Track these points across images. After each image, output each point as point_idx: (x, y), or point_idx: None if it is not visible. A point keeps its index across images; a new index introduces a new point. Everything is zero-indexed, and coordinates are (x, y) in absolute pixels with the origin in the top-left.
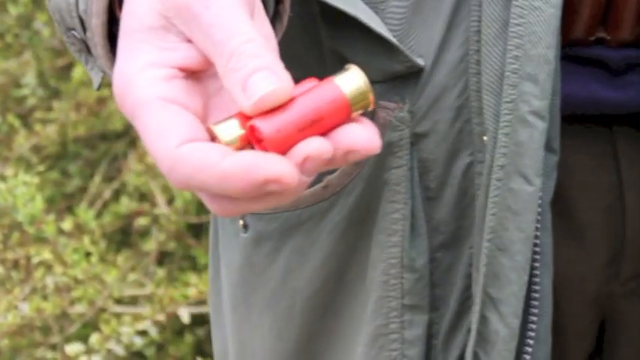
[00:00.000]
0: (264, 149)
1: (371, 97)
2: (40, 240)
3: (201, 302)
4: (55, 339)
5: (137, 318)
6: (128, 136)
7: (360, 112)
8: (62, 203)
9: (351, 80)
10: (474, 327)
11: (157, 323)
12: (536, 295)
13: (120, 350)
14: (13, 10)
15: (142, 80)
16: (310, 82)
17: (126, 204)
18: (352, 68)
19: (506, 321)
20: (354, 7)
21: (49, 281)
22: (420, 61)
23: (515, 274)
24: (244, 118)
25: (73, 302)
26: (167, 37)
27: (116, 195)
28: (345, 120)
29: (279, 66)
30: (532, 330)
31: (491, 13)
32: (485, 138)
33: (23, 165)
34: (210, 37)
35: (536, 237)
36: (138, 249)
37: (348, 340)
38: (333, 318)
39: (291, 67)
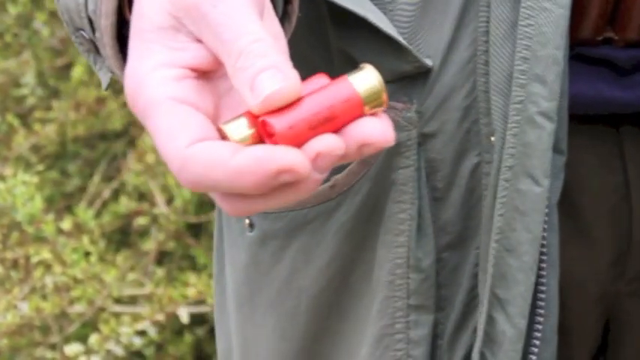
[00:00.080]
0: (275, 144)
1: (384, 96)
2: (40, 239)
3: (201, 302)
4: (55, 338)
5: (136, 318)
6: (127, 135)
7: (373, 111)
8: (61, 203)
9: (366, 79)
10: (480, 327)
11: (156, 323)
12: (543, 295)
13: (119, 350)
14: (13, 10)
15: (153, 81)
16: (321, 79)
17: (125, 204)
18: (367, 67)
19: (513, 321)
20: (363, 7)
21: (49, 281)
22: (428, 62)
23: (522, 274)
24: (254, 116)
25: (72, 302)
26: (177, 37)
27: (115, 195)
28: (357, 119)
29: (287, 65)
30: (538, 330)
31: (499, 14)
32: (492, 138)
33: (22, 164)
34: (219, 37)
35: (543, 237)
36: (137, 249)
37: (353, 340)
38: (337, 318)
39: (298, 66)
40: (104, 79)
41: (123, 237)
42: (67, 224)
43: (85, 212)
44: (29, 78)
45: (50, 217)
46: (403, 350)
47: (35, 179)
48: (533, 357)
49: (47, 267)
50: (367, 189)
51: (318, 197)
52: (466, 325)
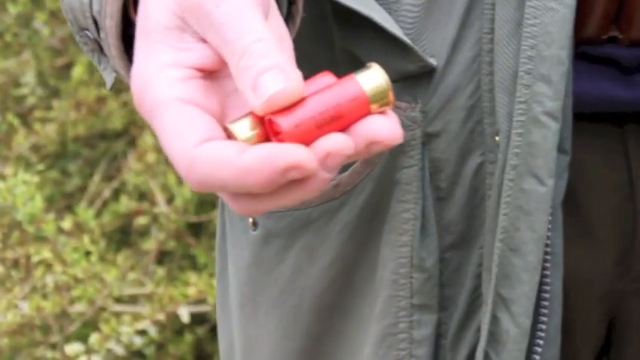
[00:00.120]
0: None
1: (391, 96)
2: (40, 239)
3: (201, 301)
4: (55, 338)
5: (137, 317)
6: (128, 135)
7: (380, 110)
8: (62, 202)
9: (373, 79)
10: (485, 327)
11: (156, 322)
12: (546, 295)
13: (119, 350)
14: (13, 9)
15: (160, 81)
16: (327, 77)
17: (125, 203)
18: (374, 67)
19: (517, 321)
20: (367, 6)
21: (49, 280)
22: (433, 61)
23: (526, 274)
24: (260, 115)
25: (72, 301)
26: (183, 37)
27: (116, 194)
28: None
29: (290, 65)
30: (542, 330)
31: (504, 14)
32: (497, 138)
33: (23, 164)
34: (222, 36)
35: (547, 237)
36: (137, 248)
37: (356, 340)
38: (340, 317)
39: (302, 66)
40: (108, 79)
41: (123, 236)
42: (67, 224)
43: (85, 212)
44: (29, 77)
45: (51, 216)
46: (406, 350)
47: (36, 179)
48: (537, 356)
49: (48, 266)
50: (371, 188)
51: (322, 196)
52: (469, 325)
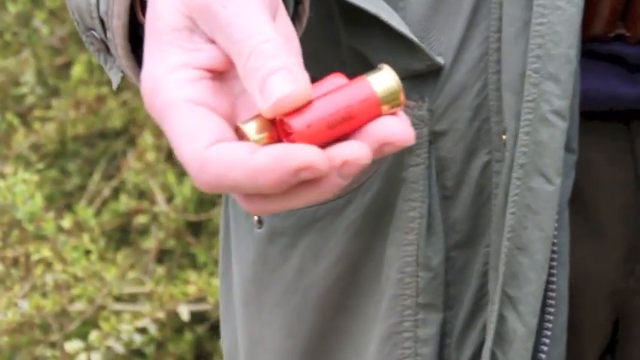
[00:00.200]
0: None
1: (402, 97)
2: (40, 238)
3: (201, 300)
4: (55, 336)
5: (137, 316)
6: (127, 134)
7: (391, 111)
8: (61, 201)
9: (384, 80)
10: (491, 326)
11: (156, 321)
12: (553, 294)
13: (119, 348)
14: (12, 8)
15: (170, 83)
16: (338, 78)
17: (125, 202)
18: (385, 68)
19: (524, 320)
20: (374, 5)
21: (49, 279)
22: (440, 60)
23: (534, 273)
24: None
25: (72, 300)
26: (192, 38)
27: (115, 193)
28: (375, 119)
29: (297, 67)
30: (548, 329)
31: (511, 13)
32: (504, 137)
33: (22, 163)
34: (230, 37)
35: (553, 236)
36: (137, 247)
37: (361, 339)
38: (345, 316)
39: (309, 65)
40: (114, 78)
41: (123, 235)
42: (67, 222)
43: (85, 210)
44: (29, 76)
45: (50, 215)
46: (411, 349)
47: (35, 177)
48: (543, 355)
49: (47, 265)
50: (377, 187)
51: None
52: (474, 324)
